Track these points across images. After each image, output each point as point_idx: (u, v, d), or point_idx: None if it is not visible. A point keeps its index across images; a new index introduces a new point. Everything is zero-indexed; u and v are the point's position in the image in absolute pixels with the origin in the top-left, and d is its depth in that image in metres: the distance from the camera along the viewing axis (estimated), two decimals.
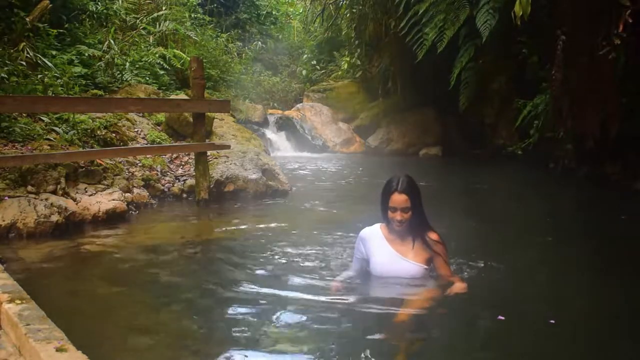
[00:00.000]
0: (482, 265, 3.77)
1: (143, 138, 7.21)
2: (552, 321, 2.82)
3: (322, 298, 3.09)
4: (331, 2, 14.67)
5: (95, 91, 7.71)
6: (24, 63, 6.56)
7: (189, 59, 8.53)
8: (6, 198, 4.70)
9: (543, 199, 7.21)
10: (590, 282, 3.64)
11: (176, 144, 7.40)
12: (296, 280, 3.53)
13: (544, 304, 3.18)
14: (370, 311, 2.91)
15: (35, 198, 4.81)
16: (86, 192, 5.40)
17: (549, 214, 6.20)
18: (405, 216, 2.96)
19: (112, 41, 8.81)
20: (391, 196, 2.96)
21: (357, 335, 2.68)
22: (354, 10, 14.06)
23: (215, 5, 16.05)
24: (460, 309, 2.93)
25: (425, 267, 3.07)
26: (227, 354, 2.41)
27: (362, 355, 2.39)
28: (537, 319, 2.91)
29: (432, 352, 2.60)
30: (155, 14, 11.14)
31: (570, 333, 2.81)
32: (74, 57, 7.86)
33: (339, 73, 16.27)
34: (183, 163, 7.09)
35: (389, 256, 3.08)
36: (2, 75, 5.96)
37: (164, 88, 9.81)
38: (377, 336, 2.69)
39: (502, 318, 2.80)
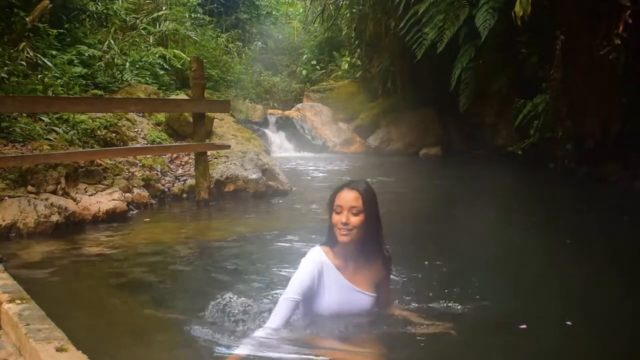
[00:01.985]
0: (488, 268, 3.78)
1: (143, 138, 7.21)
2: (569, 323, 2.81)
3: None
4: (331, 2, 14.67)
5: (95, 91, 7.70)
6: (24, 63, 6.56)
7: (189, 59, 8.55)
8: (6, 198, 4.70)
9: (543, 199, 7.20)
10: (601, 283, 3.62)
11: (176, 144, 7.40)
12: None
13: (559, 308, 3.14)
14: None
15: (35, 198, 4.81)
16: (86, 192, 5.40)
17: (550, 214, 6.20)
18: (353, 221, 2.32)
19: (112, 41, 8.81)
20: (339, 193, 2.38)
21: None
22: (354, 10, 14.06)
23: (215, 5, 16.06)
24: (477, 321, 2.83)
25: (375, 295, 2.52)
26: (227, 354, 2.41)
27: None
28: (557, 322, 2.86)
29: None
30: (155, 14, 11.15)
31: (593, 334, 2.79)
32: (74, 57, 7.86)
33: (339, 73, 16.27)
34: (183, 163, 7.09)
35: (343, 289, 2.42)
36: (2, 75, 5.95)
37: (164, 88, 9.82)
38: None
39: (525, 326, 2.73)
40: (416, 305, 2.90)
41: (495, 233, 5.30)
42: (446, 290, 3.21)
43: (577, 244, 4.74)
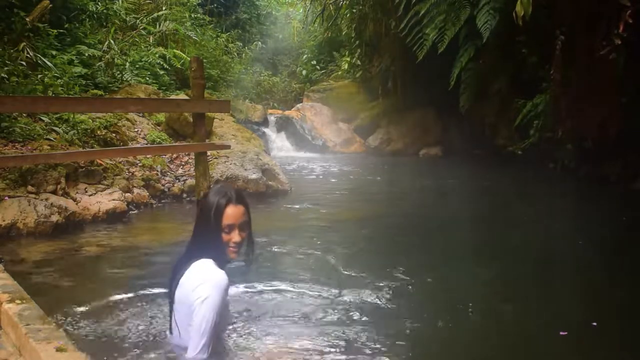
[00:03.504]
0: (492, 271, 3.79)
1: (143, 138, 7.21)
2: (595, 323, 2.86)
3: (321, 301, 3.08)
4: (331, 2, 14.66)
5: (95, 91, 7.70)
6: (24, 63, 6.56)
7: (189, 59, 8.52)
8: (6, 198, 4.70)
9: (543, 199, 7.21)
10: (615, 284, 3.66)
11: (176, 144, 7.40)
12: (295, 281, 3.53)
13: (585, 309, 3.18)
14: None
15: (35, 198, 4.81)
16: (86, 192, 5.40)
17: (550, 214, 6.20)
18: (244, 236, 2.25)
19: (112, 41, 8.81)
20: (225, 210, 2.19)
21: None
22: (354, 10, 14.05)
23: (215, 5, 16.06)
24: (515, 326, 2.86)
25: None
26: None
27: None
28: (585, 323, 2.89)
29: None
30: (155, 14, 11.14)
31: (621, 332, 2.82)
32: (74, 57, 7.86)
33: (339, 73, 16.27)
34: (183, 163, 7.09)
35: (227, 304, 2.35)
36: (2, 75, 5.95)
37: (164, 88, 9.82)
38: None
39: (565, 333, 2.74)
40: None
41: (497, 234, 5.31)
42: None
43: (580, 244, 4.75)
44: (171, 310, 2.27)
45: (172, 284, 2.26)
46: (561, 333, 2.76)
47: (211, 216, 2.18)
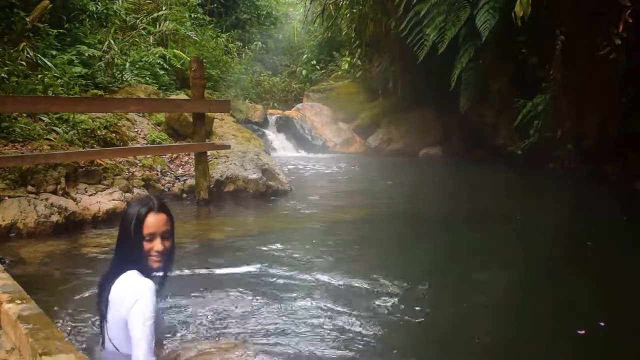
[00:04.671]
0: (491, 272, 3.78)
1: (143, 138, 7.21)
2: (603, 324, 2.87)
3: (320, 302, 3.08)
4: (331, 2, 14.65)
5: (95, 91, 7.70)
6: (24, 63, 6.56)
7: (189, 59, 8.53)
8: (6, 198, 4.70)
9: (543, 199, 7.20)
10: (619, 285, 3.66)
11: (176, 144, 7.40)
12: (295, 281, 3.53)
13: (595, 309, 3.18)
14: None
15: (35, 198, 4.81)
16: (86, 192, 5.40)
17: (550, 214, 6.20)
18: (167, 245, 2.22)
19: (112, 41, 8.81)
20: (146, 219, 2.16)
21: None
22: (354, 10, 14.04)
23: (215, 5, 16.06)
24: (532, 324, 2.86)
25: None
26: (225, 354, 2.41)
27: None
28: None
29: None
30: (155, 14, 11.14)
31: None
32: (74, 57, 7.86)
33: (339, 73, 16.27)
34: (183, 163, 7.09)
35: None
36: (2, 75, 5.95)
37: (164, 88, 9.82)
38: None
39: (583, 332, 2.75)
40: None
41: (498, 235, 5.31)
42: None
43: (580, 245, 4.74)
44: (102, 327, 2.23)
45: (99, 301, 2.22)
46: (579, 332, 2.77)
47: (132, 226, 2.15)
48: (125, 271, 2.16)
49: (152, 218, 2.16)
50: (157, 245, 2.16)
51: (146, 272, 2.19)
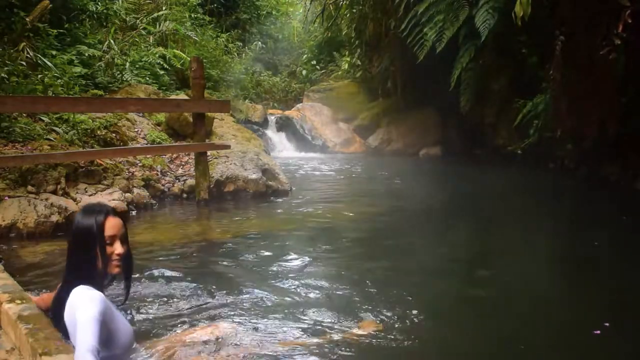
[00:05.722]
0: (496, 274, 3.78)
1: (143, 138, 7.21)
2: (607, 324, 2.86)
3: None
4: (331, 2, 14.65)
5: (95, 91, 7.70)
6: (24, 63, 6.56)
7: (189, 59, 8.54)
8: (6, 198, 4.70)
9: (543, 199, 7.21)
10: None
11: (176, 144, 7.40)
12: (295, 281, 3.53)
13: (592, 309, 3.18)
14: None
15: (35, 198, 4.82)
16: (86, 192, 5.40)
17: (550, 214, 6.21)
18: (125, 249, 2.21)
19: (112, 41, 8.81)
20: (105, 223, 2.14)
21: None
22: (354, 10, 14.05)
23: (215, 5, 16.05)
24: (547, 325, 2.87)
25: None
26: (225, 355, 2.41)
27: None
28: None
29: None
30: (155, 14, 11.14)
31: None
32: (74, 57, 7.86)
33: (339, 73, 16.28)
34: (183, 163, 7.09)
35: (125, 321, 2.28)
36: (2, 75, 5.96)
37: (164, 88, 9.81)
38: None
39: (599, 332, 2.75)
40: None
41: (498, 235, 5.31)
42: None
43: (581, 245, 4.74)
44: None
45: (54, 322, 2.17)
46: (595, 332, 2.77)
47: (90, 234, 2.11)
48: (76, 286, 2.07)
49: (111, 221, 2.16)
50: (118, 247, 2.15)
51: (100, 283, 2.16)
